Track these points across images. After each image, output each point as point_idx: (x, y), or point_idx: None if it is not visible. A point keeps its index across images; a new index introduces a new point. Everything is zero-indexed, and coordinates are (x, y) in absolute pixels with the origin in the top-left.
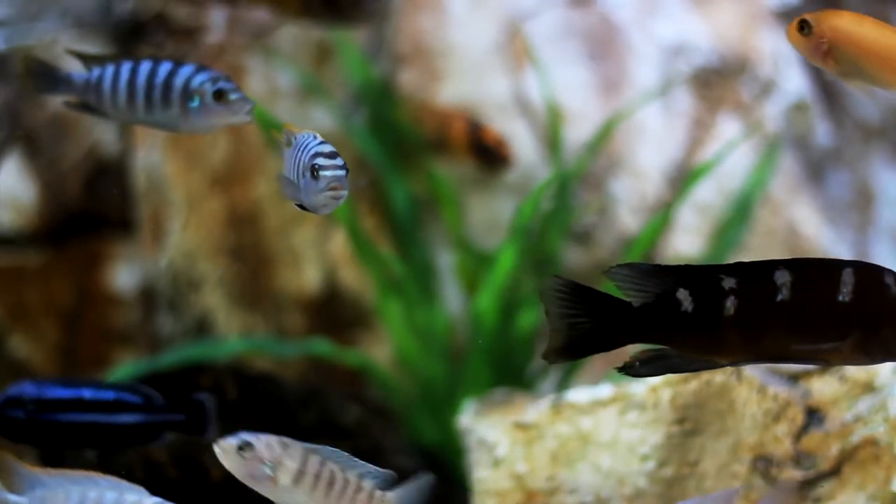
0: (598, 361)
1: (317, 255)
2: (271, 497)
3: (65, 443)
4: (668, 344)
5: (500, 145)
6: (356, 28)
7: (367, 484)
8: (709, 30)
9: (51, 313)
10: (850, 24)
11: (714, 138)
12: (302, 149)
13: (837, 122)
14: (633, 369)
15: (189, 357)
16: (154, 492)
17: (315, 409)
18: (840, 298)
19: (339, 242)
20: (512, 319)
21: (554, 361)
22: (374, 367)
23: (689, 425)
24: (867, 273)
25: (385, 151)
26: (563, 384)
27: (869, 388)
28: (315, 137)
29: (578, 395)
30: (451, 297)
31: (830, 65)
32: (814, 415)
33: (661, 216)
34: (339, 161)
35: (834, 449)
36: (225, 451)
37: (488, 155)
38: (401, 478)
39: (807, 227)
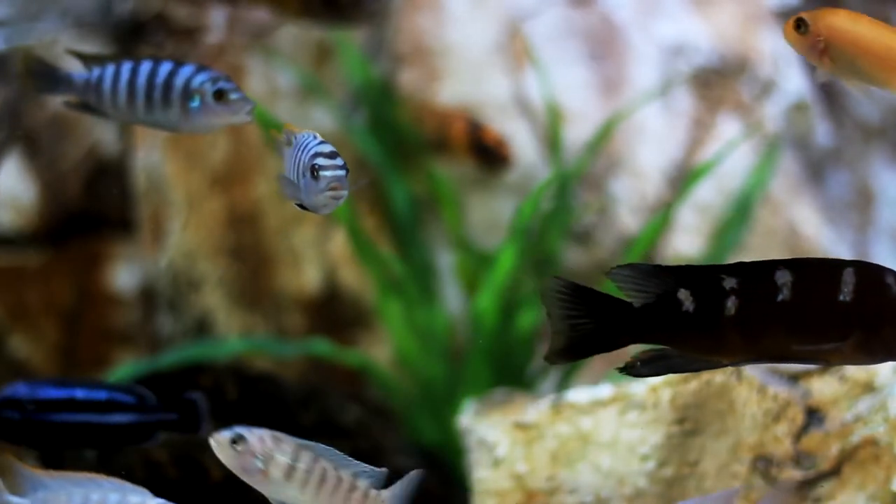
0: (598, 361)
1: (317, 255)
2: (264, 491)
3: (57, 443)
4: (670, 344)
5: (500, 145)
6: (356, 28)
7: (362, 483)
8: (709, 30)
9: (51, 313)
10: (846, 23)
11: (714, 138)
12: (302, 149)
13: (837, 122)
14: (634, 369)
15: (189, 357)
16: (154, 492)
17: (315, 409)
18: (841, 298)
19: (339, 242)
20: (512, 319)
21: (556, 363)
22: (374, 367)
23: (689, 425)
24: (868, 273)
25: (385, 151)
26: (563, 384)
27: (869, 388)
28: (315, 137)
29: (578, 395)
30: (451, 297)
31: (827, 63)
32: (814, 415)
33: (661, 216)
34: (339, 161)
35: (834, 449)
36: (219, 443)
37: (488, 155)
38: (399, 478)
39: (807, 227)
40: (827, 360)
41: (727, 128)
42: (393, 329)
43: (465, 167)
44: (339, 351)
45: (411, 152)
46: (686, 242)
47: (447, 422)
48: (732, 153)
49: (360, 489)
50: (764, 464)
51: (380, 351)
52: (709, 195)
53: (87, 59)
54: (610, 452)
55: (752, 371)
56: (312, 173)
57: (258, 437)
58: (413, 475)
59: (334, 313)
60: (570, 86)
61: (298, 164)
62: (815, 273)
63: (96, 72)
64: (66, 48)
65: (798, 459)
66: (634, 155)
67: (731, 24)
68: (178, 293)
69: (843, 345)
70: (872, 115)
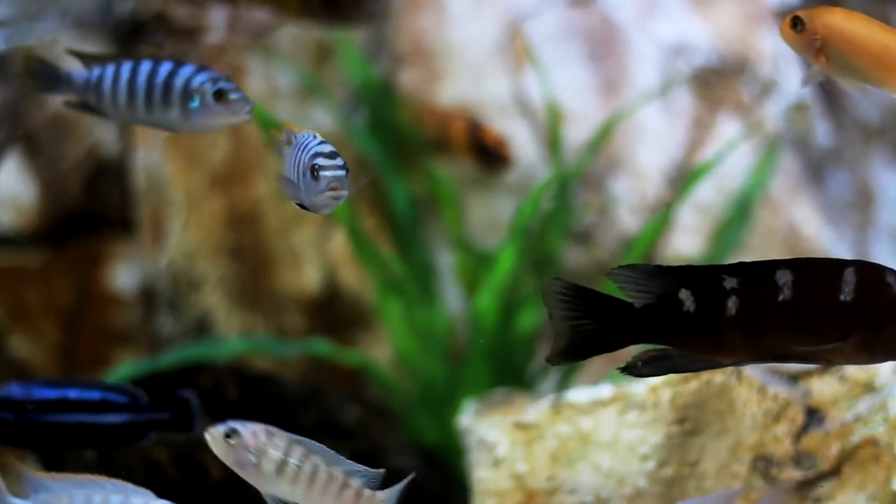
0: (598, 361)
1: (317, 255)
2: (257, 485)
3: (51, 443)
4: (671, 344)
5: (500, 145)
6: (356, 28)
7: (355, 482)
8: (709, 30)
9: (51, 313)
10: (842, 21)
11: (714, 138)
12: (302, 149)
13: (837, 122)
14: (635, 369)
15: (189, 357)
16: (154, 492)
17: (315, 409)
18: (842, 298)
19: (339, 242)
20: (512, 319)
21: (557, 363)
22: (374, 367)
23: (689, 425)
24: (869, 272)
25: (385, 151)
26: (563, 384)
27: (869, 388)
28: (315, 137)
29: (578, 395)
30: (451, 297)
31: (823, 62)
32: (814, 415)
33: (661, 216)
34: (339, 161)
35: (834, 449)
36: (213, 437)
37: (488, 155)
38: (400, 478)
39: (807, 227)
40: (828, 360)
41: (727, 128)
42: (393, 329)
43: (465, 167)
44: (339, 351)
45: (411, 152)
46: (686, 242)
47: (447, 422)
48: (732, 153)
49: (352, 487)
50: (764, 464)
51: (380, 351)
52: (709, 195)
53: (87, 59)
54: (610, 452)
55: (752, 371)
56: (312, 173)
57: (251, 432)
58: (410, 479)
59: (334, 313)
60: (570, 86)
61: (298, 164)
62: (816, 273)
63: (96, 71)
64: (66, 48)
65: (798, 459)
66: (634, 155)
67: (731, 24)
68: (178, 293)
69: (844, 345)
70: (872, 115)
